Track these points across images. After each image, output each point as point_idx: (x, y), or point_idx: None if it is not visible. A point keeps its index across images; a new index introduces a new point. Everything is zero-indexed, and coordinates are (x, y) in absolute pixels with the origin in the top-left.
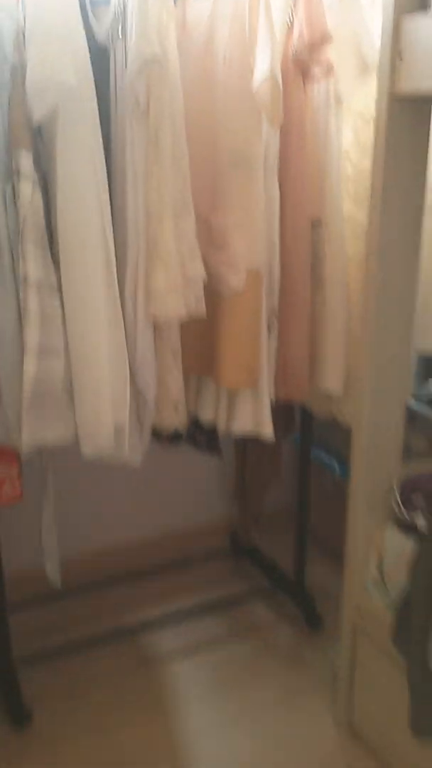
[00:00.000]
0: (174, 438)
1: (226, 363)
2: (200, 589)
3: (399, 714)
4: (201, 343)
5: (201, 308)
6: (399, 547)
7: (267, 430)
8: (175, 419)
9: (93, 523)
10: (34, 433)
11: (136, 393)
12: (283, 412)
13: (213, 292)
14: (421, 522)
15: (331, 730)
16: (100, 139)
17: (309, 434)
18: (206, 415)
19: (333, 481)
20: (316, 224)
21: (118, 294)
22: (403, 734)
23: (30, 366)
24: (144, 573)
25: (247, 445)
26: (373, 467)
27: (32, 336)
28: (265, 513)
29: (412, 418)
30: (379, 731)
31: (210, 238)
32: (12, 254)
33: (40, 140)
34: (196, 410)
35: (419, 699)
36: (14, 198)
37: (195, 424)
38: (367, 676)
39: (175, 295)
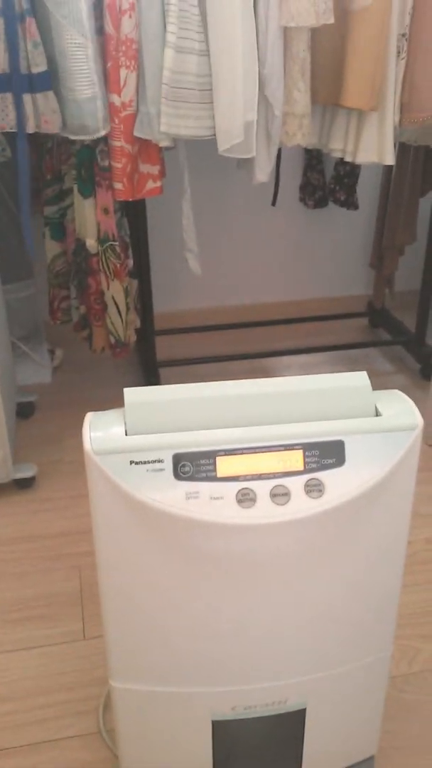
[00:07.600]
0: (318, 201)
1: (353, 81)
2: (331, 336)
3: None
4: (330, 69)
5: (329, 17)
6: None
7: (389, 159)
8: (299, 136)
9: (238, 282)
10: (171, 124)
11: (266, 105)
12: (419, 171)
13: (344, 11)
14: None
15: None
16: None
17: None
18: (335, 145)
19: None
20: None
21: (252, 2)
22: None
23: (168, 59)
24: (282, 321)
25: (387, 209)
26: None
27: (172, 32)
28: (399, 290)
29: None
30: None
31: None
32: None
33: None
34: (327, 142)
35: None
36: None
37: (336, 181)
38: None
39: (306, 2)
